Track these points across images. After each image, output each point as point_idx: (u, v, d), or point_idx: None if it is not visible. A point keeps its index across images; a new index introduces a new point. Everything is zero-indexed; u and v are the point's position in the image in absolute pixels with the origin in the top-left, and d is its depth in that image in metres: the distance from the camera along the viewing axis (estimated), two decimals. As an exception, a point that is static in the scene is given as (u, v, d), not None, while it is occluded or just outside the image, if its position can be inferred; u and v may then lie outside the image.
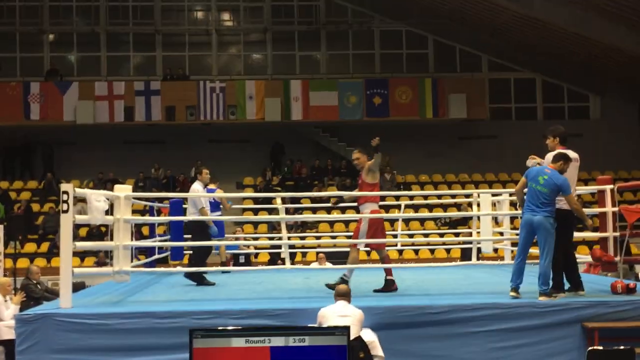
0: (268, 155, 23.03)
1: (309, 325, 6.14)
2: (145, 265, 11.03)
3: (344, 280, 7.84)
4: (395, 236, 12.40)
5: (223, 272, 10.42)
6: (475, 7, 21.64)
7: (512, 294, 7.06)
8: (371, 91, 22.21)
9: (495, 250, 12.12)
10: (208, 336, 3.63)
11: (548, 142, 7.44)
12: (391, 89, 22.20)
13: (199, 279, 9.29)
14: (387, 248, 8.60)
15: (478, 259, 11.42)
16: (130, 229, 8.05)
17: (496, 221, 11.80)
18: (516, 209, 9.67)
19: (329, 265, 11.98)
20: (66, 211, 6.78)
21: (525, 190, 7.17)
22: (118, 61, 24.00)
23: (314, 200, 19.72)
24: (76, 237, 14.78)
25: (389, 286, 7.95)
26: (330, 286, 7.63)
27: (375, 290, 7.95)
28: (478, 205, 10.64)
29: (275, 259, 14.71)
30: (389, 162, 21.71)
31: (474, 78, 23.37)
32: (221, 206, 10.79)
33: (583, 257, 9.70)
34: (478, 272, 10.49)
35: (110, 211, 7.69)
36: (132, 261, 8.63)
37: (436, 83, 22.36)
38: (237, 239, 12.79)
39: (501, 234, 11.46)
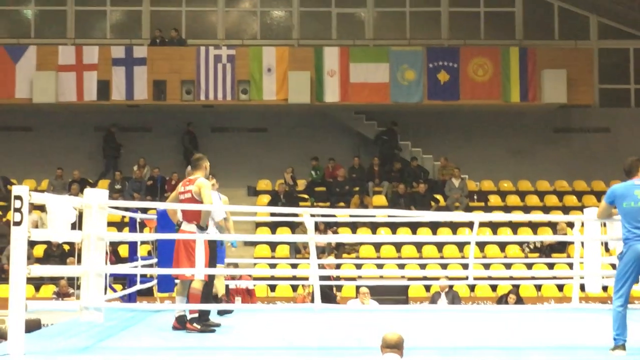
0: (292, 149, 23.03)
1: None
2: (124, 298, 11.10)
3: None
4: (465, 266, 12.29)
5: (220, 313, 10.44)
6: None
7: (619, 351, 7.21)
8: (435, 64, 22.10)
9: (605, 288, 12.00)
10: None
11: None
12: (463, 62, 22.07)
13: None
14: (457, 282, 8.60)
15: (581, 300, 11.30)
16: (104, 248, 8.12)
17: (606, 248, 11.68)
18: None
19: (373, 303, 11.96)
20: (19, 223, 6.84)
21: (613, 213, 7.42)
22: (90, 18, 24.23)
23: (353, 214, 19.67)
24: (30, 258, 14.74)
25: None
26: None
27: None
28: (582, 225, 10.53)
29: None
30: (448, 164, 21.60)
31: (578, 47, 23.15)
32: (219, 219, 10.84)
33: None
34: (581, 319, 10.42)
35: (77, 224, 7.75)
36: (105, 293, 8.68)
37: (526, 54, 22.18)
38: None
39: (613, 266, 11.31)
